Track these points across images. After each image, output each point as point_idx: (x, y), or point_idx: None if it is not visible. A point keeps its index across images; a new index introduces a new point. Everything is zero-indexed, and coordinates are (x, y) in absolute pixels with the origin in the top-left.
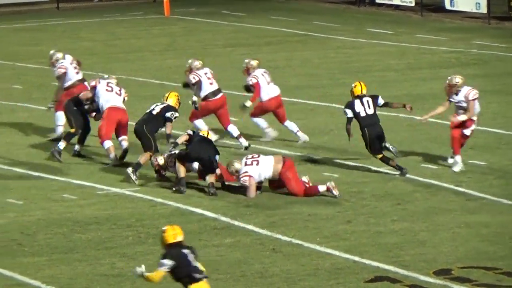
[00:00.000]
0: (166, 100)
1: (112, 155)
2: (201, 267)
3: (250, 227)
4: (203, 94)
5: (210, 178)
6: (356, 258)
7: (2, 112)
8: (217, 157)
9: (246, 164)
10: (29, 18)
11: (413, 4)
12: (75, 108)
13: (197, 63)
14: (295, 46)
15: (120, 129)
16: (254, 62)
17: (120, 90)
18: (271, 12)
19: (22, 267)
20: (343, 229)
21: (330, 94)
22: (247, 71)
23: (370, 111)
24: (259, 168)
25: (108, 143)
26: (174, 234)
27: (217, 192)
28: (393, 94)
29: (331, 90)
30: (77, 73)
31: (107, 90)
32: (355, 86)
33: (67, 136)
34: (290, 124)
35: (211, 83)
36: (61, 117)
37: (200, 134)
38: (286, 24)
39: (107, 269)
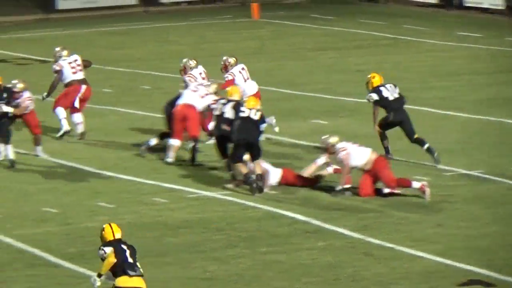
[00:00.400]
0: (232, 96)
1: (170, 154)
2: (138, 265)
3: (341, 230)
4: None
5: (257, 167)
6: (448, 262)
7: (92, 115)
8: (263, 124)
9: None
10: (117, 22)
11: (502, 7)
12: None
13: (192, 63)
14: (384, 50)
15: (189, 126)
16: (231, 60)
17: (205, 95)
18: (360, 16)
19: None
20: (434, 232)
21: (420, 98)
22: (225, 68)
23: (396, 95)
24: (358, 151)
25: (174, 142)
26: (112, 232)
27: (278, 189)
28: (482, 97)
29: (421, 93)
30: (75, 73)
31: (193, 90)
32: (373, 77)
33: (162, 135)
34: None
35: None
36: (61, 112)
37: (242, 113)
38: (375, 27)
39: (199, 272)
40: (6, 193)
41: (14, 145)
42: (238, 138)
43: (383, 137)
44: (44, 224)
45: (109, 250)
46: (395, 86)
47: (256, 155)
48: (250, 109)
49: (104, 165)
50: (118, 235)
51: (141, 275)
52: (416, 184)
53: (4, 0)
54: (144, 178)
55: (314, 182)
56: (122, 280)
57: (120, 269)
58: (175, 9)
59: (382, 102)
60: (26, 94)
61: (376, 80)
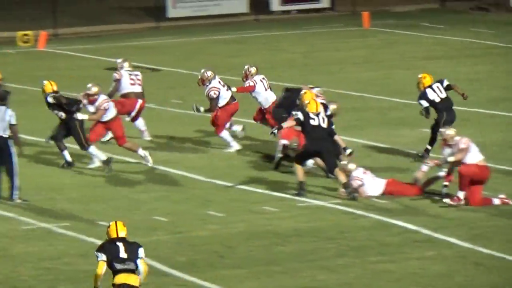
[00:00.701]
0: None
1: (279, 148)
2: (135, 261)
3: (452, 239)
4: (223, 102)
5: (341, 176)
6: None
7: (204, 124)
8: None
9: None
10: (228, 30)
11: None
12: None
13: (210, 73)
14: (496, 59)
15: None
16: (252, 69)
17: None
18: (471, 25)
19: (223, 279)
20: None
21: None
22: (246, 77)
23: (443, 95)
24: (476, 149)
25: (283, 141)
26: (116, 230)
27: (388, 198)
28: None
29: None
30: (133, 84)
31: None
32: (424, 78)
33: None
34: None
35: (227, 90)
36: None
37: (312, 121)
38: (486, 36)
39: (308, 281)
40: (117, 202)
41: (123, 153)
42: (309, 149)
43: (431, 140)
44: (154, 233)
45: (102, 257)
46: (441, 84)
47: (330, 164)
48: (317, 114)
49: (214, 173)
50: (122, 234)
51: (132, 269)
52: (496, 200)
53: (116, 8)
54: (254, 187)
55: (420, 191)
56: (115, 279)
57: (110, 264)
58: (286, 18)
59: (431, 104)
60: (102, 97)
61: (427, 80)
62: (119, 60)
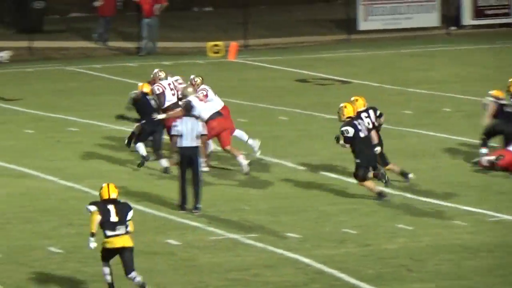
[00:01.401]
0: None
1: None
2: (126, 224)
3: None
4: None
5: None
6: None
7: (392, 137)
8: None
9: None
10: (418, 43)
11: None
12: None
13: (161, 74)
14: None
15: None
16: (198, 79)
17: None
18: None
19: None
20: None
21: None
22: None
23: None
24: None
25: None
26: (108, 192)
27: None
28: None
29: None
30: (174, 94)
31: None
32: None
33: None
34: (239, 133)
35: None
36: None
37: (361, 133)
38: None
39: None
40: (306, 214)
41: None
42: (362, 161)
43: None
44: (343, 245)
45: (92, 208)
46: None
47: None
48: (357, 120)
49: (403, 186)
50: (113, 195)
51: (124, 234)
52: None
53: (306, 20)
54: (443, 201)
55: None
56: (105, 242)
57: (102, 229)
58: (477, 32)
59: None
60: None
61: (498, 93)
62: (156, 70)
